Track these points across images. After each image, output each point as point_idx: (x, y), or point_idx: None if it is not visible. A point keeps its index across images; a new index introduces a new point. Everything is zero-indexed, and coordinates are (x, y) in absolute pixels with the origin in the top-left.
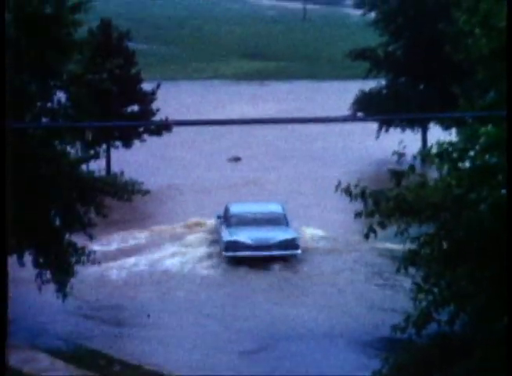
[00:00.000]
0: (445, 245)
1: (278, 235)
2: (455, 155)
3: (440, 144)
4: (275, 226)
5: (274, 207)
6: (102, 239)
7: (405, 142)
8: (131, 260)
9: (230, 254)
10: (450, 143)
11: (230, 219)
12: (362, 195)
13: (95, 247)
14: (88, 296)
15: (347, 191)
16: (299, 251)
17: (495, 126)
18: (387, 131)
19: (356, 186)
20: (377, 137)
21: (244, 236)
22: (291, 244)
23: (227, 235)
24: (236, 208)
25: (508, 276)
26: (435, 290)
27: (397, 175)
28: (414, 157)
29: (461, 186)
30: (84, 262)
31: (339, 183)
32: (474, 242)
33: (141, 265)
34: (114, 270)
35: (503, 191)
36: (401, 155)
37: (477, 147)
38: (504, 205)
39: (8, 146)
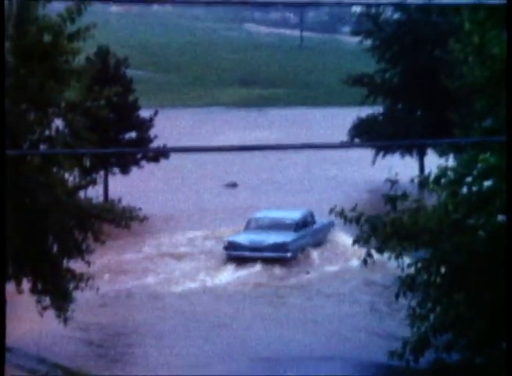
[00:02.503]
0: (442, 270)
1: (272, 238)
2: (452, 181)
3: (437, 170)
4: (281, 231)
5: (291, 214)
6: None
7: (403, 168)
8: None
9: (229, 252)
10: (447, 169)
11: (250, 223)
12: (358, 220)
13: None
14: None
15: (342, 215)
16: (288, 255)
17: (493, 153)
18: (383, 157)
19: (352, 210)
20: (373, 163)
21: (244, 238)
22: (281, 247)
23: (232, 236)
24: (260, 214)
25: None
26: (433, 315)
27: (392, 200)
28: (411, 183)
29: (458, 212)
30: (82, 288)
31: (334, 207)
32: (471, 267)
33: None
34: None
35: (500, 217)
36: (393, 182)
37: (475, 173)
38: (501, 231)
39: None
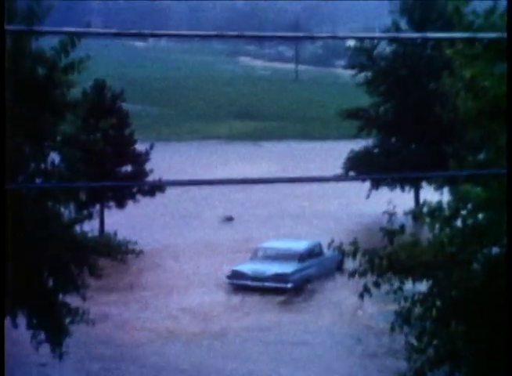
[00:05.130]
0: (438, 303)
1: (274, 269)
2: (446, 214)
3: (431, 203)
4: (285, 261)
5: (298, 245)
6: None
7: (398, 201)
8: None
9: (231, 281)
10: (441, 203)
11: (257, 252)
12: (355, 254)
13: None
14: None
15: (340, 249)
16: (288, 285)
17: (486, 186)
18: (377, 189)
19: (352, 244)
20: (368, 196)
21: (248, 267)
22: (282, 278)
23: (237, 265)
24: (267, 244)
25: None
26: (429, 349)
27: (389, 234)
28: (406, 216)
29: (453, 245)
30: (78, 322)
31: (332, 241)
32: (467, 301)
33: None
34: None
35: (495, 249)
36: (391, 215)
37: (469, 206)
38: (497, 264)
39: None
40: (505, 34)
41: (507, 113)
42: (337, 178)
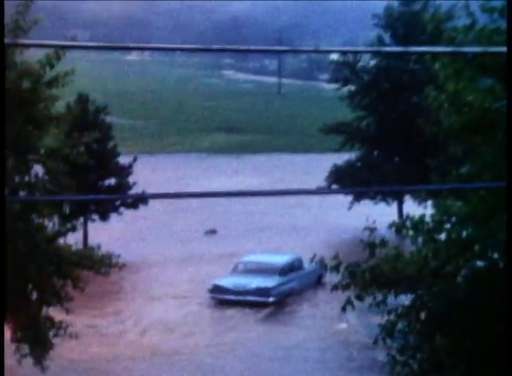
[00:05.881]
0: (422, 317)
1: (255, 282)
2: (430, 227)
3: (415, 217)
4: (266, 275)
5: (278, 259)
6: None
7: (382, 214)
8: None
9: (213, 296)
10: (425, 216)
11: (237, 267)
12: (337, 268)
13: None
14: None
15: (322, 263)
16: (270, 299)
17: (467, 201)
18: (358, 202)
19: (334, 258)
20: (349, 208)
21: (229, 281)
22: (264, 292)
23: (218, 279)
24: (248, 258)
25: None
26: (413, 362)
27: (370, 247)
28: (389, 229)
29: (438, 259)
30: (62, 335)
31: (314, 255)
32: (451, 314)
33: None
34: None
35: (479, 263)
36: (372, 230)
37: (453, 220)
38: (480, 277)
39: None
40: (505, 48)
41: (508, 124)
42: (320, 192)
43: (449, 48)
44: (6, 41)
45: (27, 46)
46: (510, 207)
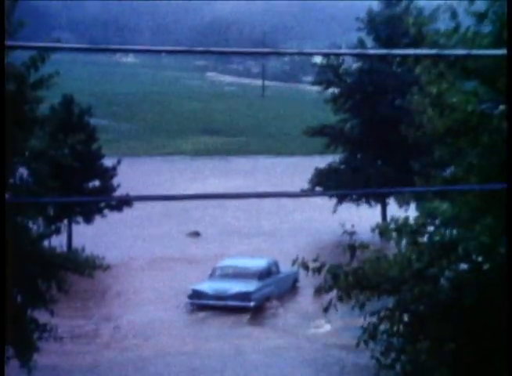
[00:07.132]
0: (405, 319)
1: (235, 287)
2: (413, 230)
3: (398, 219)
4: (245, 279)
5: (256, 263)
6: None
7: (365, 216)
8: None
9: (193, 301)
10: (408, 218)
11: (215, 272)
12: (320, 270)
13: None
14: None
15: (305, 266)
16: (251, 304)
17: (453, 202)
18: (340, 205)
19: (315, 260)
20: (334, 211)
21: (208, 286)
22: (245, 296)
23: (196, 284)
24: (224, 262)
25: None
26: (397, 365)
27: (351, 249)
28: (372, 232)
29: (421, 261)
30: (46, 338)
31: (296, 258)
32: (434, 316)
33: None
34: None
35: (462, 265)
36: (351, 234)
37: (437, 222)
38: (464, 279)
39: None
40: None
41: (508, 126)
42: (303, 194)
43: (451, 51)
44: (7, 43)
45: (28, 48)
46: (510, 208)
